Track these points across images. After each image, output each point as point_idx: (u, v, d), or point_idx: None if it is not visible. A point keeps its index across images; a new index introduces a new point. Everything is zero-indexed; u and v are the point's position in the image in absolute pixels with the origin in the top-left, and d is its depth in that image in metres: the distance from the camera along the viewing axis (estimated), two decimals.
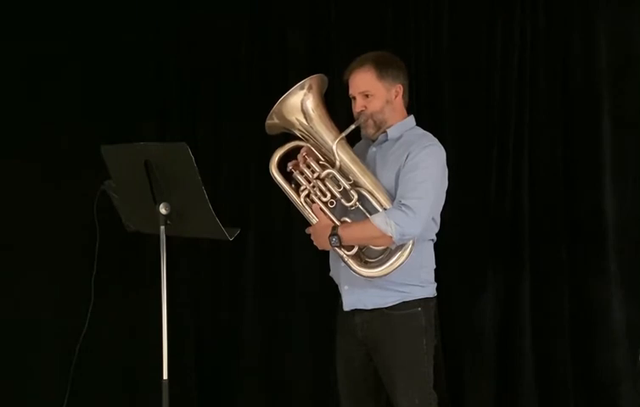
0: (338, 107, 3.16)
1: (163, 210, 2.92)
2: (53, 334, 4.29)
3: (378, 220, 2.87)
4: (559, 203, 3.93)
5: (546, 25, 3.94)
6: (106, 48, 4.36)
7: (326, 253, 3.12)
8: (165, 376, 2.94)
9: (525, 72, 3.95)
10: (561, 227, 3.93)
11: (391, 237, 2.85)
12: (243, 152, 4.33)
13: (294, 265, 4.29)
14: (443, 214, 3.07)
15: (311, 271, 4.13)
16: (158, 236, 2.95)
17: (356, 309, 3.04)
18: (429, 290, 3.06)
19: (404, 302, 2.99)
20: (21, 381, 4.29)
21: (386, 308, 2.99)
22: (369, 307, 3.00)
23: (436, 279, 3.09)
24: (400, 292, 2.98)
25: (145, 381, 4.26)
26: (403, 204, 2.87)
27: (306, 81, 2.99)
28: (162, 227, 2.94)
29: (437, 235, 3.09)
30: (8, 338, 4.28)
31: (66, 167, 4.28)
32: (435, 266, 3.09)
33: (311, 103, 3.00)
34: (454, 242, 3.83)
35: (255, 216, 4.34)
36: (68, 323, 4.04)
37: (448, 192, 3.07)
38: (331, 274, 3.15)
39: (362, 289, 2.99)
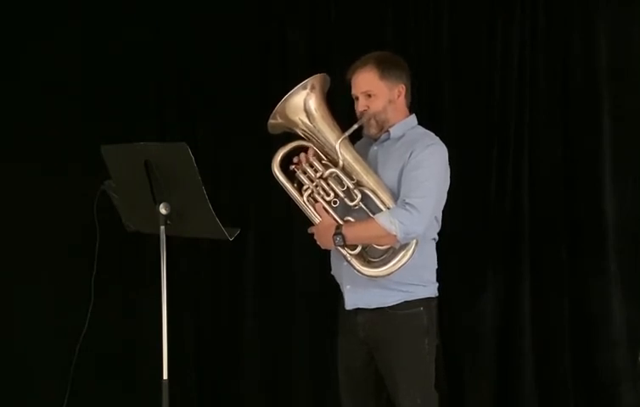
0: (339, 106, 3.16)
1: (163, 210, 2.92)
2: (53, 334, 4.28)
3: (382, 219, 2.87)
4: (559, 203, 3.93)
5: (546, 25, 3.94)
6: (106, 48, 4.36)
7: (326, 253, 3.13)
8: (165, 376, 2.94)
9: (525, 72, 3.96)
10: (561, 227, 3.93)
11: (396, 236, 2.86)
12: (243, 152, 4.33)
13: (294, 265, 4.28)
14: (443, 214, 3.07)
15: (311, 271, 4.12)
16: (158, 236, 2.95)
17: (358, 309, 3.04)
18: (431, 289, 3.07)
19: (406, 301, 2.99)
20: (21, 381, 4.29)
21: (388, 307, 2.99)
22: (372, 306, 3.01)
23: (437, 279, 3.09)
24: (402, 291, 2.98)
25: (145, 381, 4.26)
26: (407, 203, 2.87)
27: (309, 81, 2.99)
28: (162, 227, 2.94)
29: (437, 235, 3.09)
30: (8, 339, 4.28)
31: (66, 167, 4.27)
32: (437, 266, 3.10)
33: (313, 103, 3.00)
34: (454, 241, 3.82)
35: (255, 216, 4.34)
36: (68, 323, 4.04)
37: (448, 191, 3.07)
38: (332, 273, 3.15)
39: (364, 288, 2.99)
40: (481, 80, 4.03)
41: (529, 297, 3.96)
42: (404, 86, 3.06)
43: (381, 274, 2.91)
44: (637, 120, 3.83)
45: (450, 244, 3.30)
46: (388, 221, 2.86)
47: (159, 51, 4.45)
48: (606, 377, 3.85)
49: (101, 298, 3.60)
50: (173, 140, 3.76)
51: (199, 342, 4.45)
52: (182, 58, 4.45)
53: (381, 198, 2.93)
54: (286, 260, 4.31)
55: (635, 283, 3.83)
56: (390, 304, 2.99)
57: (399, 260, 2.90)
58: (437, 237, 3.09)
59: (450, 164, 3.06)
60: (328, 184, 2.98)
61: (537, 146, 3.95)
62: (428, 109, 4.01)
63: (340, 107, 3.18)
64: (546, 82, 3.95)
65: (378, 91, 3.02)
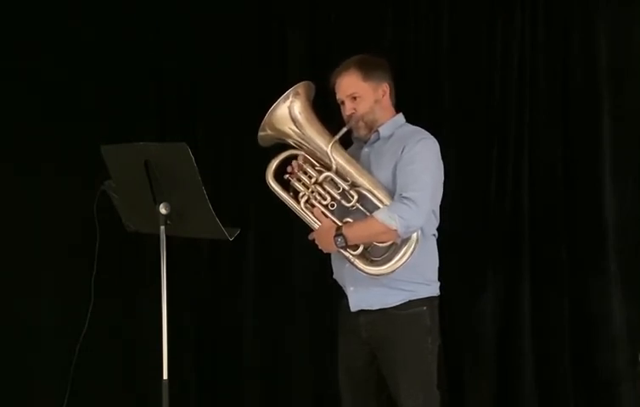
0: (337, 108, 3.16)
1: (163, 210, 2.92)
2: (53, 334, 4.29)
3: (381, 215, 2.88)
4: (559, 203, 3.93)
5: (546, 25, 3.94)
6: (106, 48, 4.36)
7: (327, 254, 3.12)
8: (165, 376, 2.95)
9: (525, 72, 3.95)
10: (561, 227, 3.93)
11: (396, 231, 2.86)
12: (243, 152, 4.33)
13: (294, 265, 4.29)
14: (443, 214, 3.08)
15: (311, 272, 4.12)
16: (158, 236, 2.95)
17: (361, 310, 3.04)
18: (434, 288, 3.07)
19: (410, 301, 2.99)
20: (21, 381, 4.29)
21: (392, 307, 2.99)
22: (375, 307, 3.01)
23: (438, 278, 3.10)
24: (405, 290, 2.99)
25: (145, 381, 4.26)
26: (405, 197, 2.88)
27: (291, 90, 3.02)
28: (162, 227, 2.94)
29: (437, 231, 3.09)
30: (8, 338, 4.28)
31: (66, 167, 4.27)
32: (438, 264, 3.10)
33: (298, 109, 3.02)
34: (454, 241, 3.81)
35: (255, 216, 4.34)
36: (68, 323, 4.04)
37: (448, 191, 3.08)
38: (335, 276, 3.15)
39: (367, 289, 3.00)
40: (481, 80, 4.03)
41: (529, 297, 3.95)
42: (388, 85, 3.09)
43: (385, 271, 2.92)
44: (637, 120, 3.83)
45: (450, 244, 3.30)
46: (387, 217, 2.86)
47: (159, 51, 4.46)
48: (606, 377, 3.85)
49: (101, 298, 3.60)
50: (173, 140, 3.76)
51: (199, 342, 4.45)
52: (182, 58, 4.45)
53: (377, 197, 2.94)
54: (286, 260, 4.31)
55: (635, 283, 3.83)
56: (393, 304, 2.99)
57: (401, 257, 2.91)
58: (437, 233, 3.09)
59: (450, 164, 3.08)
60: (324, 188, 3.00)
61: (537, 146, 3.95)
62: (428, 109, 4.01)
63: (339, 109, 3.18)
64: (546, 82, 3.94)
65: (363, 93, 3.04)
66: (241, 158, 4.34)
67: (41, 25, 4.34)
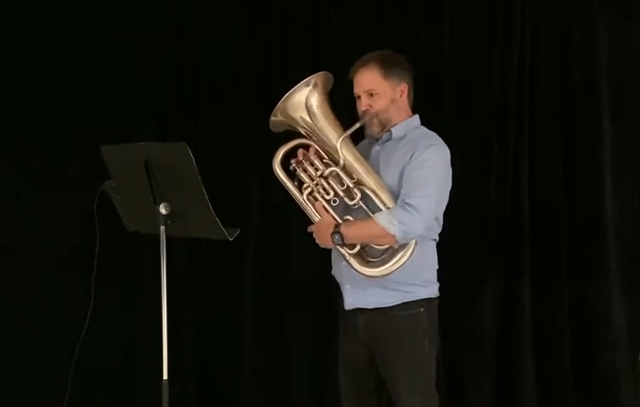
0: (339, 106, 3.15)
1: (163, 210, 2.92)
2: (53, 334, 4.29)
3: (381, 218, 2.86)
4: (559, 203, 3.93)
5: (546, 24, 3.94)
6: (106, 48, 4.36)
7: (327, 254, 3.12)
8: (165, 376, 2.95)
9: (525, 72, 3.95)
10: (561, 227, 3.93)
11: (394, 236, 2.85)
12: (243, 152, 4.33)
13: (293, 265, 4.29)
14: (443, 214, 3.07)
15: (311, 271, 4.12)
16: (158, 236, 2.95)
17: (357, 309, 3.04)
18: (432, 290, 3.06)
19: (406, 302, 2.98)
20: (21, 381, 4.29)
21: (389, 308, 2.98)
22: (371, 306, 3.00)
23: (437, 279, 3.09)
24: (402, 291, 2.97)
25: (145, 381, 4.26)
26: (407, 203, 2.86)
27: (312, 78, 2.98)
28: (162, 227, 2.94)
29: (438, 235, 3.09)
30: (8, 338, 4.28)
31: (66, 167, 4.27)
32: (437, 266, 3.09)
33: (315, 101, 2.99)
34: (454, 242, 3.81)
35: (255, 216, 4.34)
36: (68, 323, 4.04)
37: (449, 192, 3.07)
38: (333, 272, 3.14)
39: (363, 289, 2.99)
40: (481, 80, 4.03)
41: (529, 297, 3.95)
42: (406, 85, 3.06)
43: (379, 274, 2.91)
44: (637, 120, 3.83)
45: (450, 244, 3.30)
46: (387, 221, 2.85)
47: (159, 51, 4.46)
48: (606, 377, 3.85)
49: (101, 298, 3.60)
50: (173, 140, 3.76)
51: (199, 343, 4.45)
52: (182, 58, 4.44)
53: (381, 198, 2.92)
54: (286, 260, 4.31)
55: (635, 283, 3.83)
56: (389, 305, 2.98)
57: (398, 260, 2.89)
58: (438, 238, 3.08)
59: (450, 163, 3.06)
60: (329, 183, 2.97)
61: (537, 146, 3.95)
62: (428, 109, 3.99)
63: (342, 106, 3.18)
64: (546, 82, 3.94)
65: (380, 90, 3.01)
66: (241, 157, 4.34)
67: (41, 24, 4.34)
